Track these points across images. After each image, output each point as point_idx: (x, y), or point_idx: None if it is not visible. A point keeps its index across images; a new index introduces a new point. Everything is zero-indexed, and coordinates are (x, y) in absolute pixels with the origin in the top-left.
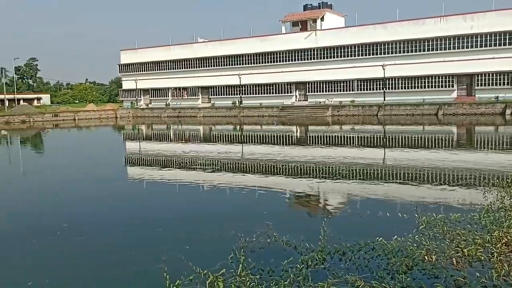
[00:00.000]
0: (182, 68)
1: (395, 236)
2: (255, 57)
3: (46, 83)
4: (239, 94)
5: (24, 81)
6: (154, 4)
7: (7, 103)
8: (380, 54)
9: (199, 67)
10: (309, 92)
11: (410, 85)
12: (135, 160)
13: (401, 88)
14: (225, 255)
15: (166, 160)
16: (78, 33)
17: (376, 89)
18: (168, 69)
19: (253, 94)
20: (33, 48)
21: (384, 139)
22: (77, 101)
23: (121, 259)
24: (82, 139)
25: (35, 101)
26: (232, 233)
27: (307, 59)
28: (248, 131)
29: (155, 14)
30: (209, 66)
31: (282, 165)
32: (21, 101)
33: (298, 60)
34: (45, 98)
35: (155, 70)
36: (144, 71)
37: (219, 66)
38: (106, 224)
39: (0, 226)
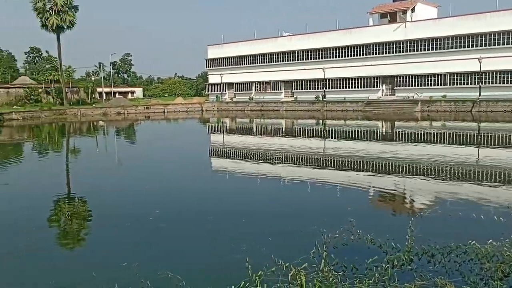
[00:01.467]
0: (266, 62)
1: (490, 240)
2: (340, 51)
3: (139, 77)
4: (323, 88)
5: (119, 75)
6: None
7: (104, 96)
8: (476, 46)
9: (282, 61)
10: (396, 86)
11: (510, 79)
12: (219, 152)
13: (500, 83)
14: (307, 249)
15: (249, 153)
16: (169, 29)
17: (471, 84)
18: (252, 63)
19: (337, 88)
20: (128, 43)
21: (479, 137)
22: (166, 95)
23: (204, 246)
24: (171, 130)
25: (129, 94)
26: (314, 227)
27: (396, 52)
28: (331, 126)
29: (237, 13)
30: (292, 60)
31: (366, 161)
32: (117, 94)
33: (385, 53)
34: (138, 92)
35: (239, 64)
36: (229, 65)
37: (303, 60)
38: (191, 212)
39: (99, 211)
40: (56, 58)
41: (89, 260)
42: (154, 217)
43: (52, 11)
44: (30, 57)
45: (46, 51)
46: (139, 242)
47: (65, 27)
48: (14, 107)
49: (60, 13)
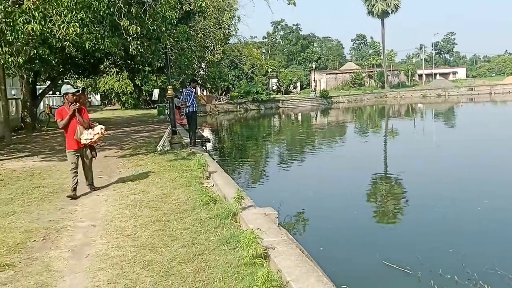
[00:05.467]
0: None
1: None
2: None
3: (462, 57)
4: None
5: (441, 56)
6: None
7: (424, 78)
8: None
9: None
10: None
11: None
12: None
13: None
14: None
15: None
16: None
17: None
18: None
19: None
20: (451, 22)
21: None
22: (493, 74)
23: None
24: (497, 114)
25: (450, 75)
26: None
27: None
28: None
29: None
30: None
31: None
32: (437, 76)
33: None
34: (461, 72)
35: None
36: None
37: None
38: None
39: (416, 193)
40: (379, 43)
41: (412, 239)
42: (482, 208)
43: None
44: (356, 43)
45: (371, 37)
46: (465, 231)
47: (390, 11)
48: (341, 91)
49: None
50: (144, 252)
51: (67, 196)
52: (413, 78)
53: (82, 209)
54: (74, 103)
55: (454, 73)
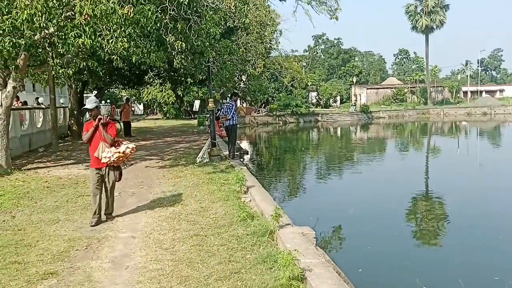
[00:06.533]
0: None
1: None
2: None
3: (510, 74)
4: None
5: (487, 72)
6: None
7: (469, 95)
8: None
9: None
10: None
11: None
12: None
13: None
14: None
15: None
16: None
17: None
18: None
19: None
20: (498, 38)
21: None
22: None
23: None
24: None
25: (497, 93)
26: None
27: None
28: None
29: None
30: None
31: None
32: (483, 93)
33: None
34: (508, 90)
35: None
36: None
37: None
38: None
39: (458, 214)
40: (422, 58)
41: (454, 263)
42: None
43: (422, 12)
44: (398, 58)
45: (414, 52)
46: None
47: (434, 27)
48: (381, 106)
49: (431, 14)
50: (182, 267)
51: (91, 225)
52: (458, 95)
53: (123, 219)
54: (100, 116)
55: (501, 90)
